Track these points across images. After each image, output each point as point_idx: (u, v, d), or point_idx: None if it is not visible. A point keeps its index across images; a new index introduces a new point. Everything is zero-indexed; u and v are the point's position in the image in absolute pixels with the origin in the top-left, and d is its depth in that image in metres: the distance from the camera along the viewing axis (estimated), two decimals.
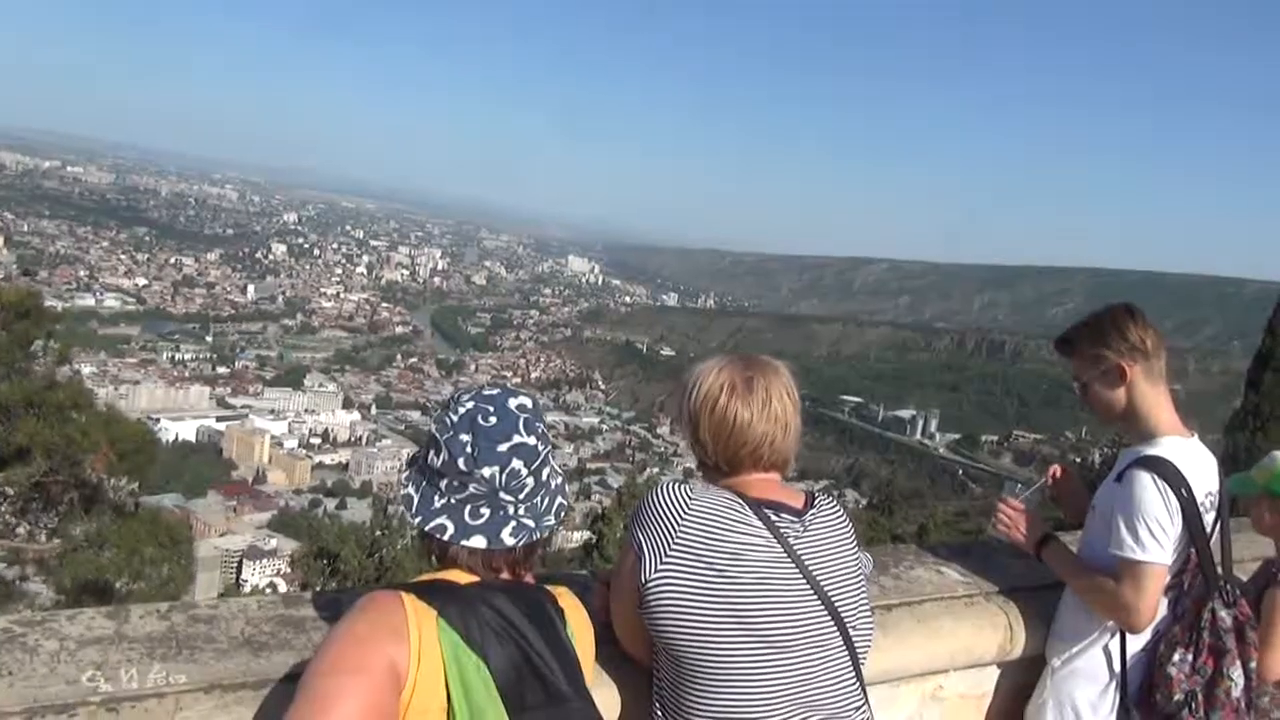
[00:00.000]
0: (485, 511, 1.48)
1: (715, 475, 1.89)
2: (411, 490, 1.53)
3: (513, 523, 1.49)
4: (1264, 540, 3.51)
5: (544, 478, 1.54)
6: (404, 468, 1.59)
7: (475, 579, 1.47)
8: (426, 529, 1.48)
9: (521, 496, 1.50)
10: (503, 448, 1.46)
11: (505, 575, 1.50)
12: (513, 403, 1.52)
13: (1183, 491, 2.27)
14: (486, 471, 1.45)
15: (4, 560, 12.18)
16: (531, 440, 1.50)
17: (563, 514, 1.59)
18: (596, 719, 1.47)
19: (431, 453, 1.50)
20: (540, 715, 1.37)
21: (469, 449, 1.45)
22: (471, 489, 1.47)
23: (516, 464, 1.47)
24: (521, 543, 1.50)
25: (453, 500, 1.48)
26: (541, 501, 1.54)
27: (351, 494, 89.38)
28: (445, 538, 1.47)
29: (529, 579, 1.56)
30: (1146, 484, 2.28)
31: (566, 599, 1.59)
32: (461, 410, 1.49)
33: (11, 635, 1.71)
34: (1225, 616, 2.32)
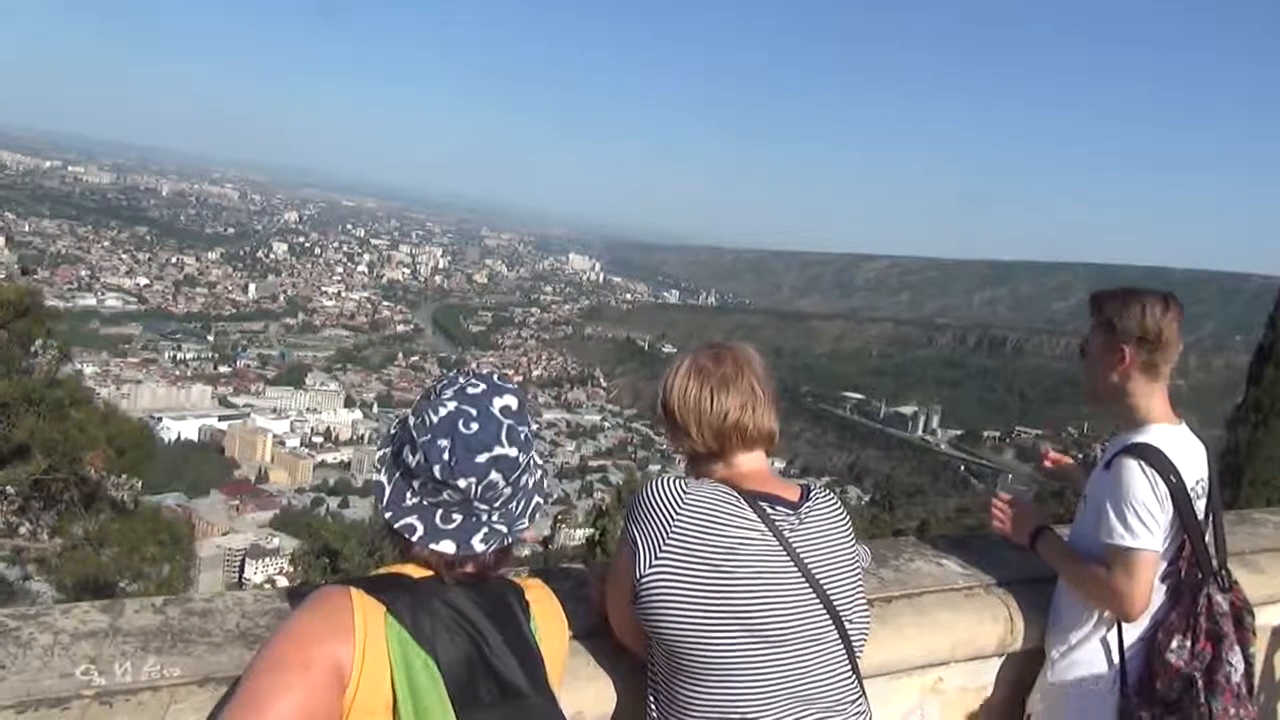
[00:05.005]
0: (457, 517, 1.43)
1: (705, 463, 1.89)
2: (384, 480, 1.46)
3: (484, 529, 1.44)
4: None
5: (522, 483, 1.48)
6: (378, 448, 1.52)
7: (432, 573, 1.43)
8: (395, 526, 1.43)
9: (496, 504, 1.44)
10: (481, 459, 1.39)
11: (469, 569, 1.45)
12: (497, 405, 1.43)
13: (1171, 478, 2.26)
14: (462, 483, 1.39)
15: (6, 559, 12.19)
16: (513, 451, 1.42)
17: (538, 515, 1.54)
18: (556, 716, 1.43)
19: (407, 449, 1.43)
20: (495, 713, 1.34)
21: (446, 456, 1.38)
22: (445, 495, 1.41)
23: (494, 476, 1.40)
24: (492, 549, 1.45)
25: (425, 502, 1.42)
26: (517, 506, 1.49)
27: (353, 492, 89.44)
28: (413, 538, 1.42)
29: (493, 575, 1.51)
30: (1134, 471, 2.27)
31: (536, 592, 1.56)
32: (443, 411, 1.41)
33: (5, 629, 1.70)
34: (1221, 602, 2.30)
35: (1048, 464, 2.86)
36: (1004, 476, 2.75)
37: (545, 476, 1.56)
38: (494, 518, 1.45)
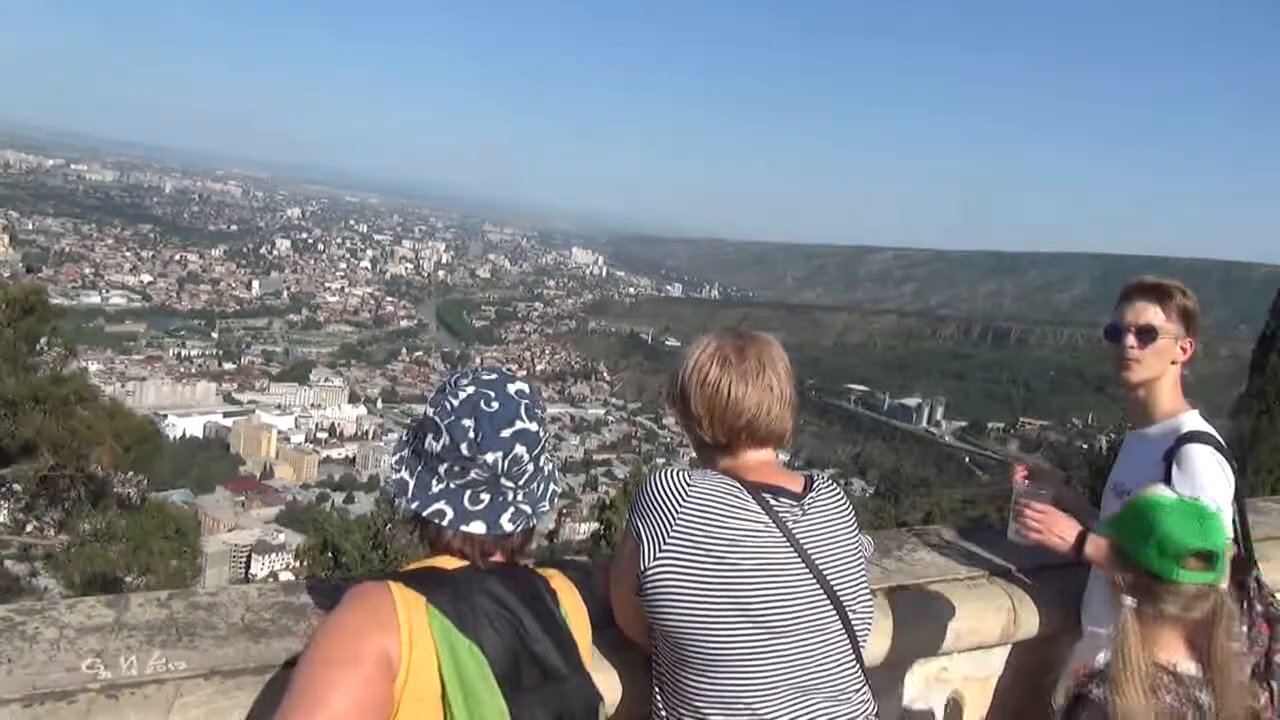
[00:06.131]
0: (485, 497, 1.47)
1: (711, 454, 1.88)
2: (406, 475, 1.50)
3: (511, 509, 1.49)
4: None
5: (541, 464, 1.54)
6: (394, 452, 1.56)
7: (465, 564, 1.47)
8: (425, 514, 1.47)
9: (521, 482, 1.50)
10: (506, 433, 1.45)
11: (498, 558, 1.50)
12: (512, 388, 1.51)
13: (1233, 463, 2.25)
14: (490, 457, 1.44)
15: (14, 556, 12.23)
16: (534, 426, 1.49)
17: (555, 500, 1.59)
18: (593, 695, 1.49)
19: (430, 437, 1.48)
20: (537, 696, 1.38)
21: (472, 434, 1.44)
22: (473, 474, 1.46)
23: (520, 450, 1.46)
24: (520, 529, 1.50)
25: (452, 485, 1.47)
26: (539, 488, 1.55)
27: (359, 488, 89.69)
28: (444, 523, 1.46)
29: (521, 563, 1.56)
30: (1210, 459, 2.23)
31: (559, 581, 1.60)
32: (462, 395, 1.47)
33: (11, 623, 1.71)
34: (1267, 584, 2.29)
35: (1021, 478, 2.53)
36: (1018, 482, 2.54)
37: (554, 466, 1.62)
38: (519, 497, 1.50)
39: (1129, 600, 1.69)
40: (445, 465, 1.46)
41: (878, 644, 2.27)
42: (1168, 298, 2.36)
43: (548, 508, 1.55)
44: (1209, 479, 2.22)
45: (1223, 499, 2.21)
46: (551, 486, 1.59)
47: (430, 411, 1.50)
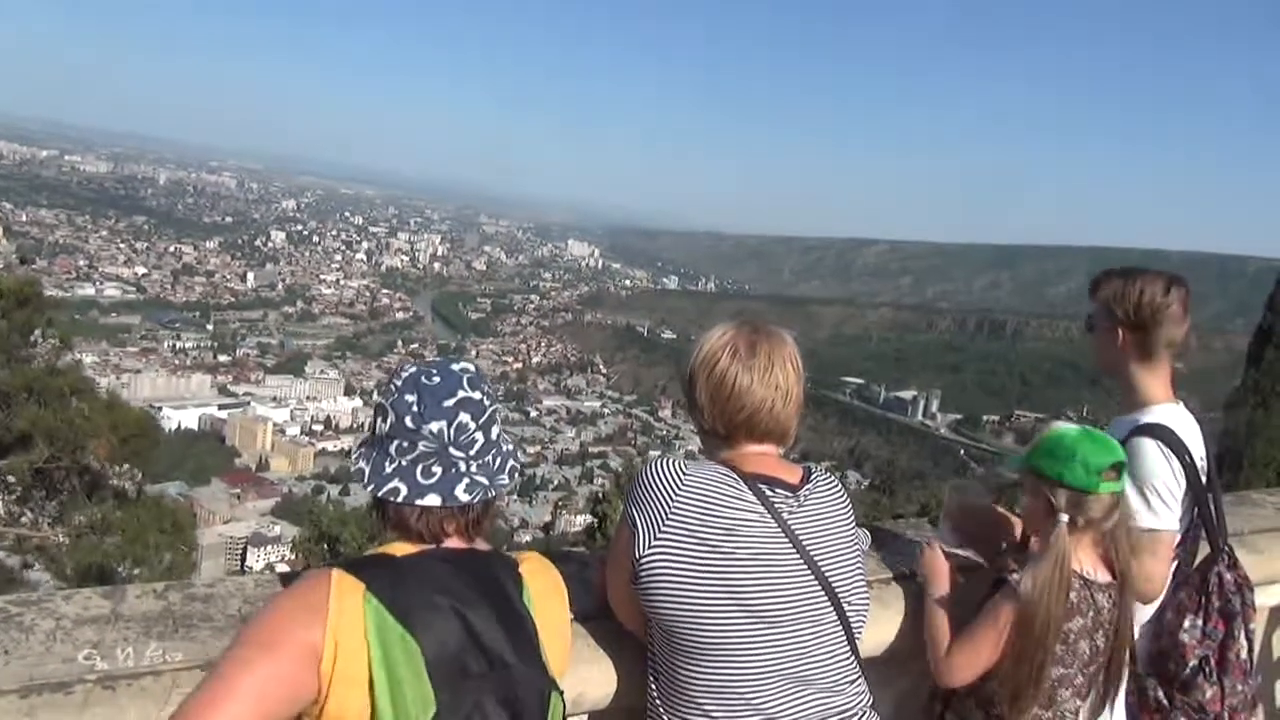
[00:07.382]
0: (437, 470, 1.48)
1: (713, 443, 1.88)
2: (363, 464, 1.53)
3: (466, 479, 1.48)
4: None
5: (493, 436, 1.54)
6: (355, 448, 1.58)
7: (417, 549, 1.48)
8: (380, 494, 1.48)
9: (472, 453, 1.50)
10: (448, 403, 1.47)
11: (456, 542, 1.50)
12: (455, 366, 1.53)
13: (1185, 457, 2.25)
14: (434, 426, 1.46)
15: (7, 548, 12.22)
16: (477, 395, 1.50)
17: (516, 475, 1.58)
18: (544, 683, 1.45)
19: (379, 420, 1.51)
20: (483, 683, 1.37)
21: (415, 407, 1.46)
22: (421, 447, 1.47)
23: (464, 417, 1.47)
24: (476, 499, 1.49)
25: (404, 462, 1.48)
26: (494, 460, 1.54)
27: (354, 480, 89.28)
28: (399, 500, 1.47)
29: (481, 545, 1.54)
30: (1152, 451, 2.26)
31: (531, 564, 1.59)
32: (405, 375, 1.51)
33: (7, 615, 1.71)
34: (1230, 579, 2.31)
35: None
36: (955, 485, 2.53)
37: (514, 446, 1.61)
38: (473, 468, 1.50)
39: (1064, 516, 2.01)
40: (395, 443, 1.48)
41: (873, 635, 2.25)
42: (1094, 288, 2.42)
43: (506, 481, 1.54)
44: (1151, 471, 2.25)
45: (1165, 491, 2.24)
46: (511, 461, 1.57)
47: (378, 398, 1.53)
